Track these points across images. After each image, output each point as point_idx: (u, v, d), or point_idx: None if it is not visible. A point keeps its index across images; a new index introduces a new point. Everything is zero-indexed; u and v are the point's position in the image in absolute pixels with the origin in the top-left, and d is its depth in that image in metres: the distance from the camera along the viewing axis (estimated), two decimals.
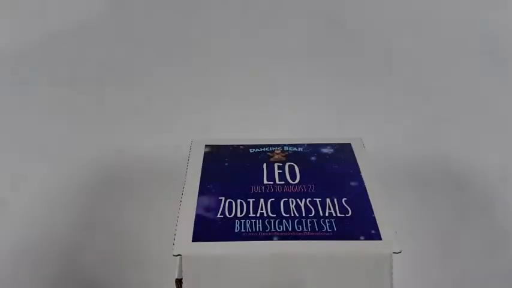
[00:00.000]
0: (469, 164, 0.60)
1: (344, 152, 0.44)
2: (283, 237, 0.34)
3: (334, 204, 0.37)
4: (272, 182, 0.40)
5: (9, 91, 0.68)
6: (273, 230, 0.35)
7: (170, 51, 0.66)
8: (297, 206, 0.37)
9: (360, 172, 0.41)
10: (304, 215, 0.36)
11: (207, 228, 0.35)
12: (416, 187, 0.58)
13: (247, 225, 0.35)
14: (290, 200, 0.38)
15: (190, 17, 0.64)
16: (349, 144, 0.45)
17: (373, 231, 0.35)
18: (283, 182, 0.40)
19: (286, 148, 0.45)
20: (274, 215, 0.36)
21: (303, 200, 0.38)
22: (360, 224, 0.35)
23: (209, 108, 0.66)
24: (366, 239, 0.34)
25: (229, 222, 0.36)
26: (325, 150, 0.45)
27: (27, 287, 0.49)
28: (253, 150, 0.45)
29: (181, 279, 0.33)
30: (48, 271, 0.50)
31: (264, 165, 0.42)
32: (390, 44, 0.64)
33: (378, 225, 0.35)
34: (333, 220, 0.36)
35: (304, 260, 0.33)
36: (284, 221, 0.36)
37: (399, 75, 0.64)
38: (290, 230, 0.35)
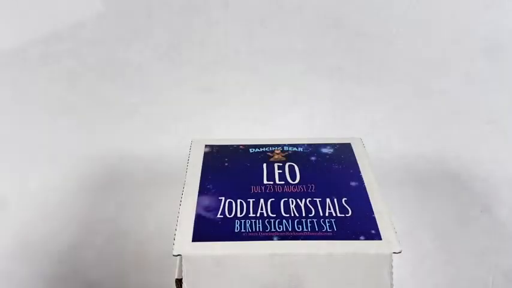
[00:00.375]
0: (469, 164, 0.60)
1: (344, 152, 0.44)
2: (283, 237, 0.34)
3: (334, 204, 0.37)
4: (272, 182, 0.40)
5: (9, 91, 0.68)
6: (273, 230, 0.35)
7: (170, 51, 0.66)
8: (297, 206, 0.37)
9: (360, 172, 0.41)
10: (304, 215, 0.36)
11: (207, 228, 0.35)
12: (416, 187, 0.58)
13: (247, 225, 0.35)
14: (290, 200, 0.38)
15: (190, 16, 0.64)
16: (349, 144, 0.45)
17: (373, 231, 0.34)
18: (283, 182, 0.40)
19: (286, 148, 0.45)
20: (274, 215, 0.36)
21: (303, 200, 0.38)
22: (360, 224, 0.35)
23: (209, 108, 0.66)
24: (366, 239, 0.34)
25: (229, 222, 0.36)
26: (325, 150, 0.44)
27: (27, 286, 0.49)
28: (253, 150, 0.45)
29: (181, 279, 0.33)
30: (48, 271, 0.50)
31: (264, 165, 0.42)
32: (390, 44, 0.64)
33: (378, 225, 0.35)
34: (333, 220, 0.36)
35: (304, 260, 0.33)
36: (284, 221, 0.36)
37: (399, 75, 0.64)
38: (290, 230, 0.35)
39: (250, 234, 0.35)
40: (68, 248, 0.52)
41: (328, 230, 0.35)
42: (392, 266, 0.33)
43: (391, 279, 0.33)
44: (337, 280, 0.33)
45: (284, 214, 0.36)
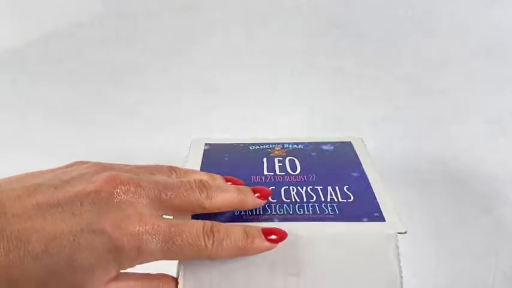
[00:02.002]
0: (469, 164, 0.60)
1: (345, 149, 0.43)
2: (283, 219, 0.33)
3: (336, 191, 0.36)
4: (272, 173, 0.39)
5: (9, 91, 0.68)
6: (273, 212, 0.34)
7: (170, 51, 0.66)
8: (298, 193, 0.36)
9: (361, 164, 0.40)
10: (305, 200, 0.35)
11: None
12: (416, 187, 0.58)
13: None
14: (291, 187, 0.37)
15: (190, 16, 0.64)
16: (349, 143, 0.44)
17: (376, 214, 0.33)
18: (283, 173, 0.39)
19: (286, 146, 0.44)
20: (275, 200, 0.35)
21: (304, 187, 0.37)
22: (363, 208, 0.34)
23: (209, 107, 0.66)
24: (369, 220, 0.33)
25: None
26: (325, 147, 0.44)
27: None
28: (254, 147, 0.44)
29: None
30: None
31: (265, 159, 0.41)
32: (390, 44, 0.64)
33: (381, 208, 0.34)
34: (334, 204, 0.35)
35: (305, 241, 0.32)
36: (285, 205, 0.35)
37: (399, 75, 0.64)
38: (291, 213, 0.34)
39: (250, 217, 0.34)
40: None
41: (330, 212, 0.34)
42: (398, 247, 0.31)
43: (399, 260, 0.31)
44: (340, 263, 0.32)
45: (285, 199, 0.35)
